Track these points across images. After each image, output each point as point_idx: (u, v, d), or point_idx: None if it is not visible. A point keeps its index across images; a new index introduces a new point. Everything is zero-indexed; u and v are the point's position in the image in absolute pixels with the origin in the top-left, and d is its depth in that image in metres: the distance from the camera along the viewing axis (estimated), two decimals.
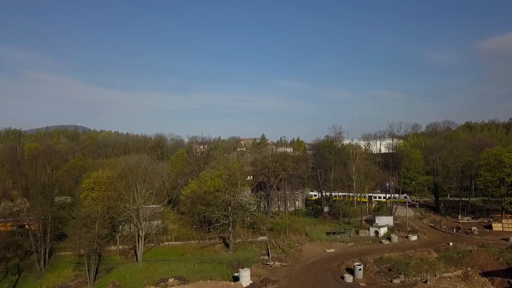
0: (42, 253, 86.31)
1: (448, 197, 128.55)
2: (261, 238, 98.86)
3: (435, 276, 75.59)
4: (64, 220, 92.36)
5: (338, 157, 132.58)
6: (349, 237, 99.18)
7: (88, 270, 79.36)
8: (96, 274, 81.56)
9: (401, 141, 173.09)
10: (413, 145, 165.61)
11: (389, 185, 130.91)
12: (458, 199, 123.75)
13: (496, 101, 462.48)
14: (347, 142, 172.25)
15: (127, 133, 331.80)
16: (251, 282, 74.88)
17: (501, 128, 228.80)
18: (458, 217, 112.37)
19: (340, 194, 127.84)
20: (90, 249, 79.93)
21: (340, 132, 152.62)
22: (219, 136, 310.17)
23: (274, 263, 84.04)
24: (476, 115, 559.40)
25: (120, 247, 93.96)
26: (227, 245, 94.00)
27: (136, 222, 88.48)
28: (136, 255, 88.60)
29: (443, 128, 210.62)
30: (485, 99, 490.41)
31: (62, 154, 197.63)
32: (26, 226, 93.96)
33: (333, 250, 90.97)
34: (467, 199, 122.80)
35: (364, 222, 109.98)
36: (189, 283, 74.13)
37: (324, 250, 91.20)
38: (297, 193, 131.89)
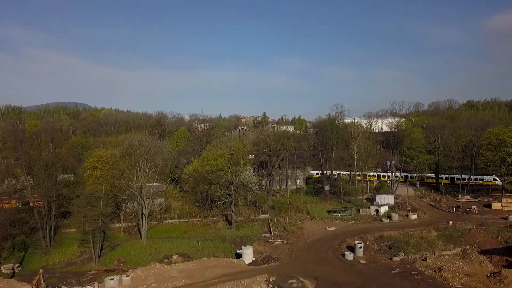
0: (47, 230, 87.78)
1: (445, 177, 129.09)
2: (263, 216, 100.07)
3: (434, 254, 76.95)
4: (68, 198, 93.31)
5: (340, 136, 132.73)
6: (350, 215, 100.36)
7: (93, 247, 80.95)
8: (101, 251, 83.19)
9: (402, 120, 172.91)
10: (415, 124, 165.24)
11: (390, 164, 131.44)
12: (459, 176, 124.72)
13: (499, 79, 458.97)
14: (349, 121, 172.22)
15: (127, 110, 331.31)
16: (253, 259, 76.35)
17: (504, 107, 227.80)
18: (458, 196, 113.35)
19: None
20: (94, 227, 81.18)
21: (342, 111, 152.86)
22: (220, 114, 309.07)
23: (276, 241, 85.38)
24: (479, 94, 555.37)
25: (124, 225, 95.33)
26: (230, 223, 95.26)
27: (139, 200, 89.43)
28: (140, 233, 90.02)
29: (445, 107, 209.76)
30: (488, 78, 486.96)
31: (63, 132, 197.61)
32: (31, 204, 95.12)
33: (334, 228, 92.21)
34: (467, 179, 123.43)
35: (365, 200, 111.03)
36: (192, 260, 75.61)
37: (325, 228, 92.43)
38: (298, 172, 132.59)
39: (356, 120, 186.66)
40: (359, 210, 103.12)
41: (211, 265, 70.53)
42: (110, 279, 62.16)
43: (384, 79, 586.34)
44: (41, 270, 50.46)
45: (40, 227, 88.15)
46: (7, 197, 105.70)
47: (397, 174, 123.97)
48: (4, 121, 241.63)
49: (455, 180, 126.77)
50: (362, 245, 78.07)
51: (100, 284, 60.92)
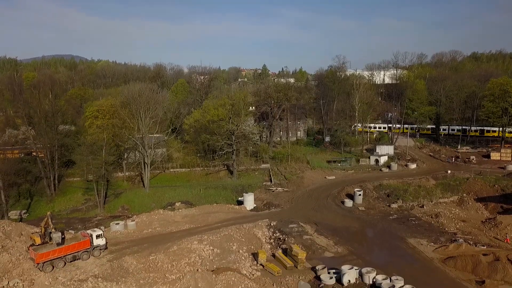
0: (51, 179, 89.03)
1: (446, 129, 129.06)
2: (263, 165, 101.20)
3: (432, 202, 78.72)
4: (71, 147, 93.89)
5: (342, 87, 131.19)
6: (350, 165, 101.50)
7: (98, 195, 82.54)
8: (105, 199, 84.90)
9: (405, 71, 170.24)
10: (418, 75, 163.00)
11: (391, 115, 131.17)
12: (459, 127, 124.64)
13: (505, 31, 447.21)
14: (351, 72, 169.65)
15: (125, 63, 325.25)
16: (255, 205, 78.14)
17: (508, 58, 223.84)
18: (457, 147, 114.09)
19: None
20: (98, 175, 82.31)
21: (344, 62, 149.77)
22: (219, 67, 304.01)
23: (276, 189, 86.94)
24: (484, 46, 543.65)
25: (127, 174, 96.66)
26: (231, 172, 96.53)
27: (141, 149, 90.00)
28: (143, 181, 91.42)
29: (449, 58, 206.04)
30: (494, 29, 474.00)
31: (61, 84, 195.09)
32: (34, 154, 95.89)
33: (333, 177, 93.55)
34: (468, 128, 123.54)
35: (365, 151, 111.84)
36: (195, 207, 77.36)
37: (325, 177, 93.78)
38: (299, 124, 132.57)
39: (358, 72, 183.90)
40: (359, 160, 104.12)
41: (213, 210, 72.34)
42: (116, 224, 63.96)
43: (387, 30, 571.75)
44: (49, 213, 51.72)
45: (44, 176, 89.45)
46: (9, 147, 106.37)
47: (398, 126, 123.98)
48: (1, 73, 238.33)
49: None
50: (361, 192, 79.57)
51: (105, 229, 62.55)
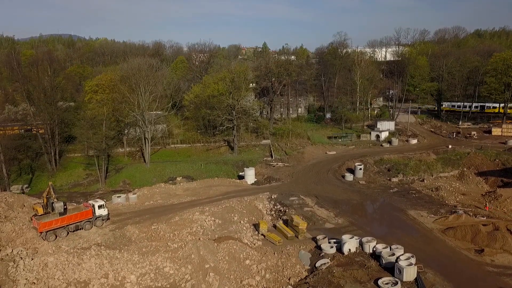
0: (52, 154, 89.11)
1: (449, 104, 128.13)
2: (264, 141, 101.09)
3: (432, 176, 78.94)
4: (71, 123, 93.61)
5: (343, 64, 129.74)
6: (351, 140, 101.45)
7: (99, 169, 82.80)
8: (106, 173, 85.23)
9: (407, 48, 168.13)
10: (420, 52, 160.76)
11: (392, 92, 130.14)
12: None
13: (509, 8, 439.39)
14: (352, 49, 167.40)
15: (124, 41, 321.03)
16: (256, 180, 78.43)
17: None
18: (459, 123, 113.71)
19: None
20: (99, 150, 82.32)
21: (345, 39, 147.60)
22: (219, 45, 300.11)
23: (277, 164, 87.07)
24: (487, 23, 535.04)
25: (128, 150, 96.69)
26: (232, 148, 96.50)
27: (142, 124, 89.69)
28: (144, 157, 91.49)
29: (452, 35, 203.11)
30: (498, 6, 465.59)
31: (60, 62, 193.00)
32: (34, 130, 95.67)
33: (334, 153, 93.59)
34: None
35: (366, 127, 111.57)
36: (196, 181, 77.59)
37: (326, 153, 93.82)
38: (300, 100, 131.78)
39: (359, 49, 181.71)
40: (359, 136, 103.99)
41: (214, 184, 72.62)
42: (117, 196, 64.34)
43: (389, 6, 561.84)
44: (50, 183, 51.77)
45: (45, 152, 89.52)
46: (9, 123, 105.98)
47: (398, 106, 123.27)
48: None
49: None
50: (362, 167, 79.70)
51: (107, 202, 62.78)
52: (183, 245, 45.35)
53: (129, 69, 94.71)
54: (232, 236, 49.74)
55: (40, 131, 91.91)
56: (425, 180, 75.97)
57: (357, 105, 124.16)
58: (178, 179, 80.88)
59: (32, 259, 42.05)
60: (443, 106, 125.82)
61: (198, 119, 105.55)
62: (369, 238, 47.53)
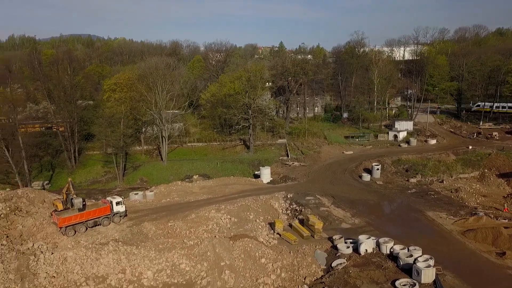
0: (72, 152, 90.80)
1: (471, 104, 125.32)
2: (280, 141, 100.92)
3: (452, 177, 77.35)
4: (90, 121, 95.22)
5: (360, 63, 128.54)
6: (368, 140, 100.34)
7: (117, 167, 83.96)
8: (124, 171, 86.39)
9: (426, 47, 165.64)
10: (439, 51, 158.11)
11: (411, 92, 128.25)
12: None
13: None
14: (370, 48, 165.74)
15: (141, 41, 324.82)
16: (271, 179, 78.34)
17: None
18: (479, 123, 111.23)
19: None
20: (117, 148, 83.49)
21: (362, 38, 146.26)
22: (235, 44, 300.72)
23: (293, 163, 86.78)
24: (510, 21, 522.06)
25: (145, 148, 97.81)
26: (248, 147, 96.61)
27: (159, 123, 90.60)
28: (161, 155, 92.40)
29: (472, 33, 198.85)
30: None
31: (79, 61, 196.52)
32: (54, 128, 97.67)
33: (351, 152, 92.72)
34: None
35: (383, 127, 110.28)
36: (212, 179, 77.95)
37: (343, 152, 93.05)
38: (316, 99, 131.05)
39: (377, 48, 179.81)
40: (377, 136, 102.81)
41: (230, 182, 72.84)
42: (135, 194, 65.09)
43: (408, 5, 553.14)
44: (70, 179, 52.77)
45: (64, 149, 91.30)
46: (30, 121, 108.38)
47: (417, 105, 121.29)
48: (20, 51, 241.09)
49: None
50: (379, 167, 78.73)
51: (125, 199, 63.57)
52: (199, 243, 45.63)
53: (146, 68, 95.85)
54: (247, 235, 49.78)
55: (60, 129, 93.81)
56: (444, 181, 74.56)
57: (375, 104, 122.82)
58: (195, 177, 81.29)
59: (52, 253, 42.99)
60: (477, 106, 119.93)
61: (215, 118, 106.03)
62: (386, 238, 46.93)
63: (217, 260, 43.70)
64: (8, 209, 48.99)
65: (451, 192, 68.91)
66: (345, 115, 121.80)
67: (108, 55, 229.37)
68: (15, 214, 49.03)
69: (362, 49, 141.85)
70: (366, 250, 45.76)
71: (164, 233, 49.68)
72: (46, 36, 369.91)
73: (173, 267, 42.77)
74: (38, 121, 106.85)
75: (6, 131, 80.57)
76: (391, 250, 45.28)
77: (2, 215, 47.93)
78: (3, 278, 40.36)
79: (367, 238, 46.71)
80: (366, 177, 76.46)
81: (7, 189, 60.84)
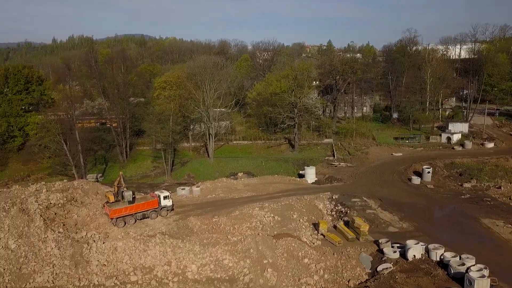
0: (123, 147, 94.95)
1: None
2: (326, 140, 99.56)
3: (511, 183, 72.52)
4: (141, 117, 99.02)
5: (412, 61, 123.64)
6: (419, 142, 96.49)
7: (165, 162, 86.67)
8: (172, 167, 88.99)
9: (484, 45, 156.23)
10: (499, 49, 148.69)
11: (467, 92, 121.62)
12: None
13: None
14: (423, 47, 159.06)
15: (191, 40, 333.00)
16: (316, 179, 77.35)
17: None
18: None
19: None
20: (166, 144, 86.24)
21: (415, 36, 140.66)
22: (282, 43, 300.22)
23: (339, 164, 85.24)
24: None
25: (192, 144, 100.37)
26: (293, 146, 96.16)
27: (206, 120, 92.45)
28: (207, 152, 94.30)
29: None
30: None
31: (132, 60, 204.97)
32: (108, 123, 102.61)
33: (400, 154, 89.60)
34: None
35: (436, 129, 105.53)
36: (256, 177, 78.35)
37: (391, 154, 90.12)
38: (365, 99, 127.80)
39: (430, 46, 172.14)
40: (428, 138, 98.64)
41: (274, 181, 72.86)
42: (182, 189, 66.97)
43: (463, 0, 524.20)
44: (121, 173, 55.36)
45: (117, 144, 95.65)
46: (87, 117, 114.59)
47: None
48: (79, 51, 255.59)
49: None
50: (430, 170, 75.44)
51: (172, 193, 65.44)
52: (242, 239, 46.01)
53: (195, 67, 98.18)
54: (291, 234, 49.50)
55: (113, 125, 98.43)
56: (502, 187, 69.91)
57: (427, 105, 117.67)
58: (239, 174, 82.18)
59: (103, 242, 45.16)
60: None
61: (260, 116, 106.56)
62: (436, 245, 44.77)
63: (260, 257, 43.83)
64: (65, 199, 52.08)
65: (510, 199, 64.56)
66: (395, 115, 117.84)
67: (159, 54, 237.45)
68: (71, 204, 52.07)
69: (414, 47, 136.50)
70: (414, 255, 43.95)
71: (208, 228, 50.62)
72: (103, 36, 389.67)
73: (216, 262, 43.45)
74: (94, 116, 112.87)
75: (65, 126, 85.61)
76: (441, 257, 43.14)
77: (59, 205, 51.04)
78: (59, 264, 43.00)
79: (416, 243, 44.84)
80: (416, 180, 73.52)
81: (64, 181, 64.40)
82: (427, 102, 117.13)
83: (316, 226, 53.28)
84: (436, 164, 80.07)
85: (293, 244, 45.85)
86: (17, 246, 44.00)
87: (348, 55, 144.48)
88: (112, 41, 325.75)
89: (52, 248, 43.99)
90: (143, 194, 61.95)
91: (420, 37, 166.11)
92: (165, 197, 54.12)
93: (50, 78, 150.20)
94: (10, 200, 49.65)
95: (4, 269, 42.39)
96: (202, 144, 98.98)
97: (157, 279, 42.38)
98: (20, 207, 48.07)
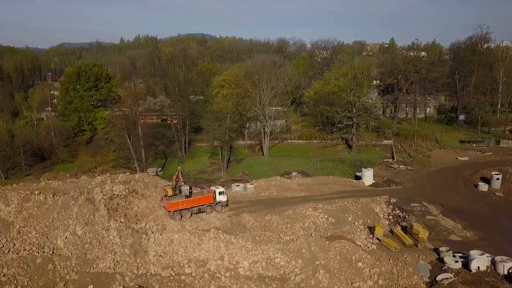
0: (182, 142, 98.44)
1: None
2: (385, 141, 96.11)
3: None
4: (199, 115, 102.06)
5: (483, 60, 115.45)
6: (488, 146, 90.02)
7: (222, 159, 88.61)
8: (228, 163, 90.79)
9: None
10: None
11: None
12: None
13: None
14: (496, 44, 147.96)
15: (250, 39, 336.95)
16: (374, 181, 74.85)
17: None
18: None
19: None
20: (222, 141, 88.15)
21: (487, 32, 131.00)
22: (342, 41, 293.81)
23: (398, 166, 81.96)
24: None
25: (248, 142, 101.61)
26: (350, 146, 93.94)
27: (262, 119, 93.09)
28: (262, 150, 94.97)
29: None
30: None
31: (193, 59, 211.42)
32: (168, 120, 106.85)
33: (466, 158, 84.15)
34: None
35: (508, 132, 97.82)
36: (311, 177, 77.52)
37: (456, 158, 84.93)
38: (429, 99, 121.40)
39: (504, 43, 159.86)
40: (499, 142, 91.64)
41: (329, 182, 71.65)
42: (236, 185, 68.09)
43: None
44: (179, 168, 57.31)
45: (176, 140, 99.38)
46: (149, 113, 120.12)
47: None
48: (144, 50, 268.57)
49: None
50: (500, 177, 69.83)
51: (227, 189, 66.65)
52: (294, 239, 45.78)
53: (253, 66, 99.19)
54: (344, 236, 48.37)
55: (173, 121, 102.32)
56: None
57: (498, 106, 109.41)
58: (293, 173, 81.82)
59: (161, 234, 47.15)
60: None
61: (317, 115, 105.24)
62: (505, 257, 41.56)
63: (312, 258, 43.34)
64: (127, 190, 55.01)
65: None
66: (461, 117, 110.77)
67: (218, 53, 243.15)
68: (132, 195, 54.88)
69: (486, 45, 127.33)
70: (479, 267, 41.12)
71: (261, 226, 50.88)
72: (166, 36, 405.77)
73: (268, 260, 43.62)
74: (155, 113, 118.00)
75: (129, 121, 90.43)
76: (510, 271, 40.01)
77: (122, 196, 54.01)
78: (120, 252, 45.52)
79: (481, 254, 41.97)
80: (483, 187, 68.52)
81: (127, 173, 68.06)
82: (499, 104, 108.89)
83: (371, 230, 51.65)
84: (507, 170, 73.83)
85: (347, 247, 44.79)
86: (83, 233, 47.22)
87: (412, 54, 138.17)
88: (174, 41, 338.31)
89: (114, 237, 46.66)
90: (199, 189, 63.79)
91: (492, 33, 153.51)
92: (220, 193, 55.22)
93: (117, 76, 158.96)
94: (79, 189, 53.35)
95: (71, 253, 45.69)
96: (257, 142, 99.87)
97: (210, 273, 43.47)
98: (87, 196, 51.48)
